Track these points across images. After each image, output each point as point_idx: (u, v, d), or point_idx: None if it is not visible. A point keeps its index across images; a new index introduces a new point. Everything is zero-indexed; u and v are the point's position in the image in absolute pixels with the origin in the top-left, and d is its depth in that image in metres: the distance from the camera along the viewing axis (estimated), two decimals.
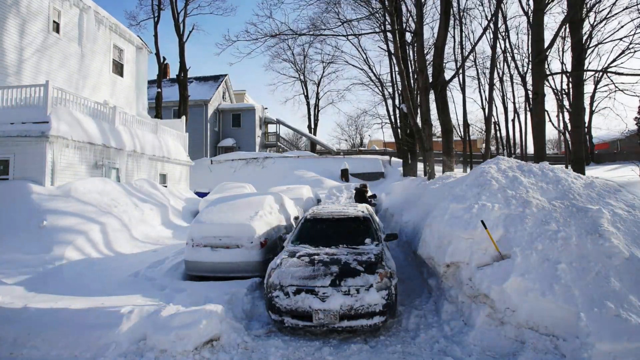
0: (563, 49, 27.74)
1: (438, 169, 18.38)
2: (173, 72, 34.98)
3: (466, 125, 26.57)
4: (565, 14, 13.47)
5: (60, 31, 14.36)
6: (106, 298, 5.79)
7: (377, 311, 4.91)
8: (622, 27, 21.17)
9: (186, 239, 7.57)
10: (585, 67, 14.50)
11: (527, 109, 26.05)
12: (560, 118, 29.13)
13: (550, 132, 42.13)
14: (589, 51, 21.52)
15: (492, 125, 24.96)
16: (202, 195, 17.49)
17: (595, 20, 22.70)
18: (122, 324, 4.77)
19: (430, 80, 14.38)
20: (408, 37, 21.37)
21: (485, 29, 16.24)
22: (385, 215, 13.52)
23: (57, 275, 7.24)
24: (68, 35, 14.76)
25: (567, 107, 25.49)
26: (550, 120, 25.24)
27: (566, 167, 17.72)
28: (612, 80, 22.26)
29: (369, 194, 15.41)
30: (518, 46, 29.02)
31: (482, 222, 4.37)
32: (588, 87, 26.39)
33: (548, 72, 15.72)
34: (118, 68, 17.94)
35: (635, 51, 20.62)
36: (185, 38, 26.94)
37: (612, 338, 3.84)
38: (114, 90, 17.45)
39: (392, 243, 7.99)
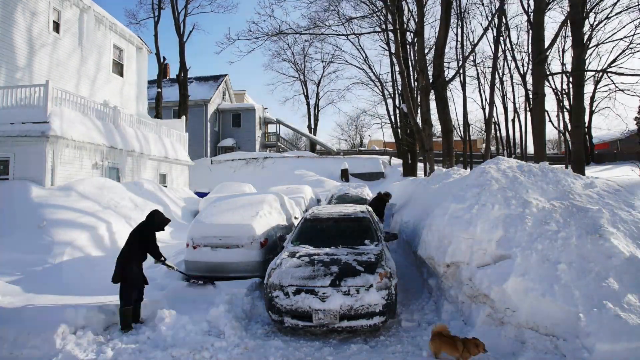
0: (563, 49, 27.78)
1: (438, 169, 18.38)
2: (173, 72, 35.01)
3: (466, 125, 26.61)
4: (566, 14, 13.46)
5: (60, 31, 14.35)
6: (106, 297, 5.79)
7: (377, 311, 4.91)
8: (623, 27, 21.20)
9: (186, 239, 7.57)
10: (585, 67, 14.49)
11: (527, 109, 26.05)
12: (560, 118, 29.14)
13: (550, 132, 42.06)
14: (589, 51, 21.53)
15: (492, 125, 24.95)
16: (202, 195, 17.47)
17: (595, 21, 22.72)
18: None
19: (431, 80, 14.38)
20: (409, 36, 21.39)
21: (486, 28, 16.26)
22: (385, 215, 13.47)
23: (57, 275, 7.23)
24: (68, 35, 14.75)
25: (567, 107, 25.49)
26: (550, 120, 25.26)
27: (566, 167, 17.72)
28: (612, 80, 22.29)
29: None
30: (519, 45, 28.97)
31: None
32: (588, 87, 26.41)
33: (548, 72, 15.74)
34: (118, 68, 17.93)
35: (635, 51, 20.63)
36: (186, 38, 26.94)
37: (612, 338, 3.84)
38: (114, 90, 17.44)
39: (392, 243, 7.99)
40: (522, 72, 25.77)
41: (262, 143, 36.82)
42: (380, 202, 11.27)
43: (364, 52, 50.99)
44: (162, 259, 5.82)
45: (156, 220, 5.72)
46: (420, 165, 23.48)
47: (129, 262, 5.34)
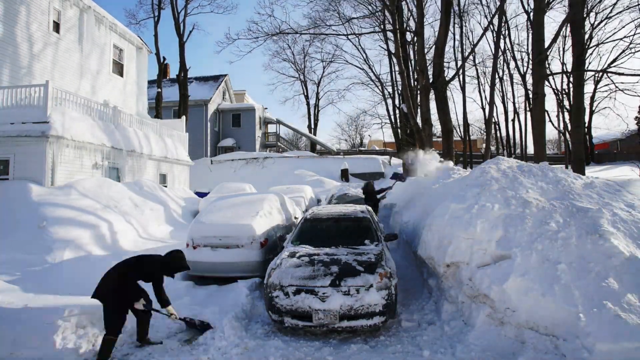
0: (563, 48, 27.81)
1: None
2: (173, 72, 35.00)
3: (466, 125, 26.65)
4: (566, 13, 13.46)
5: (60, 31, 14.34)
6: None
7: (377, 311, 4.91)
8: (623, 27, 21.23)
9: (186, 239, 7.57)
10: (585, 67, 14.49)
11: (527, 109, 26.07)
12: (560, 118, 29.16)
13: (550, 132, 42.04)
14: (589, 51, 21.53)
15: (492, 125, 24.96)
16: (202, 195, 17.47)
17: (595, 20, 22.75)
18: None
19: (431, 80, 14.38)
20: (408, 36, 21.40)
21: (486, 28, 16.26)
22: (385, 215, 13.48)
23: (57, 275, 7.23)
24: (68, 35, 14.74)
25: (567, 107, 25.51)
26: (550, 120, 25.28)
27: (566, 167, 17.72)
28: (612, 80, 22.35)
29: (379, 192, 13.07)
30: (519, 45, 28.97)
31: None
32: (588, 87, 26.44)
33: (548, 72, 15.73)
34: (118, 68, 17.93)
35: (635, 51, 20.66)
36: (186, 38, 26.95)
37: (612, 338, 3.84)
38: (114, 90, 17.44)
39: (392, 243, 7.98)
40: (522, 72, 25.80)
41: (262, 143, 36.82)
42: (370, 195, 11.55)
43: (364, 52, 51.15)
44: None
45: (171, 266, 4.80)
46: None
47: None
